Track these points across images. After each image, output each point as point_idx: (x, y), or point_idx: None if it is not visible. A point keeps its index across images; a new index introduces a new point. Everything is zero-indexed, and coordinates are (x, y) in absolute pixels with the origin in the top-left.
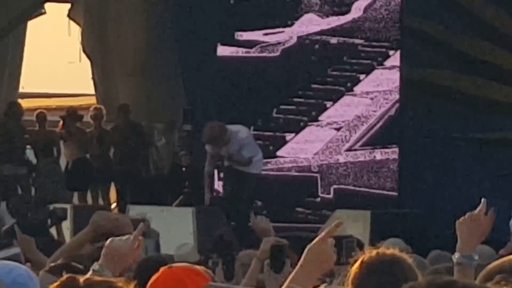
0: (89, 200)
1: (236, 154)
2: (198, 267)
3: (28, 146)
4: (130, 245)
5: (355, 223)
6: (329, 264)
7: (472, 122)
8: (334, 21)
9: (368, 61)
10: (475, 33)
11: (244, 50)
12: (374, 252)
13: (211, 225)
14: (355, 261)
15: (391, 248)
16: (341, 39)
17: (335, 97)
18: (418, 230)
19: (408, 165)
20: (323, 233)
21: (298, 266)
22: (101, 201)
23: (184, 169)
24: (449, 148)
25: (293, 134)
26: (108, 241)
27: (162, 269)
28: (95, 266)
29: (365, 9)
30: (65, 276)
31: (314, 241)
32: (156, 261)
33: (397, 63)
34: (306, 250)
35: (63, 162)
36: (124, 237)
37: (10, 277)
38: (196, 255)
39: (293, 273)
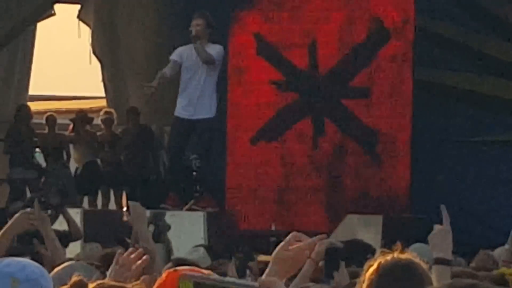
0: (99, 204)
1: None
2: (204, 270)
3: (37, 150)
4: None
5: (366, 228)
6: (294, 269)
7: (486, 124)
8: None
9: None
10: (491, 33)
11: None
12: (389, 257)
13: (223, 229)
14: (370, 266)
15: (411, 253)
16: None
17: None
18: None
19: (420, 168)
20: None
21: (265, 273)
22: (111, 205)
23: (195, 173)
24: (463, 151)
25: None
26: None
27: (167, 272)
28: None
29: None
30: (73, 279)
31: (278, 248)
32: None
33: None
34: (273, 256)
35: (73, 166)
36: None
37: (23, 274)
38: (208, 260)
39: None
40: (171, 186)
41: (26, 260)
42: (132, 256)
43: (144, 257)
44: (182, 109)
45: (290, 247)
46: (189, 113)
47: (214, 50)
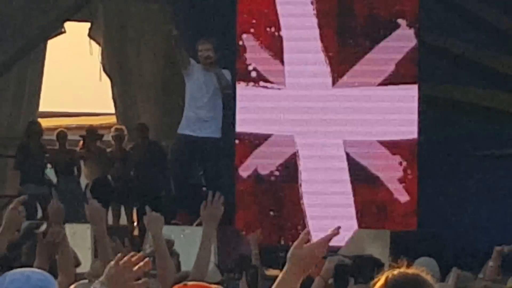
0: (110, 220)
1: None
2: (214, 285)
3: (48, 165)
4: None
5: (374, 242)
6: (310, 266)
7: (493, 138)
8: None
9: None
10: (498, 48)
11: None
12: (396, 271)
13: (233, 245)
14: (377, 280)
15: (418, 267)
16: None
17: None
18: (438, 249)
19: (428, 183)
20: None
21: (282, 273)
22: (122, 221)
23: (204, 188)
24: (471, 165)
25: None
26: (111, 265)
27: (175, 286)
28: (97, 284)
29: None
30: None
31: (292, 247)
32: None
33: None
34: (288, 256)
35: (83, 182)
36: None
37: (29, 284)
38: (218, 275)
39: (278, 279)
40: (181, 202)
41: (29, 269)
42: (134, 258)
43: (145, 260)
44: (187, 127)
45: (304, 246)
46: (196, 131)
47: (228, 76)
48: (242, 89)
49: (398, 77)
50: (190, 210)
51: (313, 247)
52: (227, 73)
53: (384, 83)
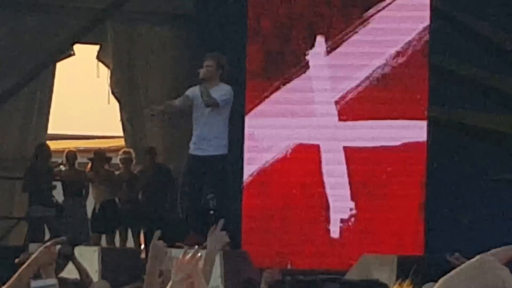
0: (117, 243)
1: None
2: None
3: (54, 184)
4: None
5: (381, 267)
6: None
7: (502, 162)
8: None
9: None
10: (508, 71)
11: None
12: None
13: (239, 268)
14: None
15: None
16: None
17: None
18: (445, 274)
19: (437, 207)
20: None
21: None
22: (129, 243)
23: (211, 212)
24: (480, 190)
25: None
26: None
27: None
28: None
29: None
30: None
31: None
32: None
33: None
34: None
35: (89, 203)
36: None
37: None
38: None
39: None
40: (189, 225)
41: None
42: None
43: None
44: (193, 146)
45: None
46: (201, 150)
47: (219, 92)
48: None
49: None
50: (199, 233)
51: None
52: (226, 89)
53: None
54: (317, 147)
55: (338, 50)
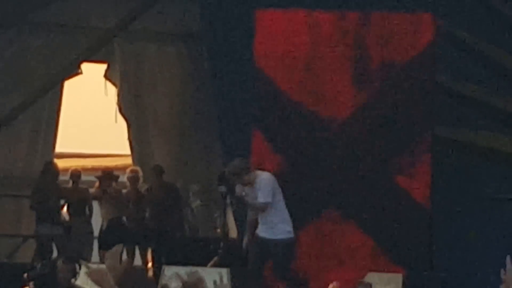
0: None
1: (251, 195)
2: None
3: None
4: None
5: (387, 286)
6: None
7: (509, 182)
8: None
9: None
10: (510, 91)
11: None
12: None
13: (247, 286)
14: None
15: None
16: None
17: None
18: None
19: (444, 226)
20: None
21: None
22: (136, 261)
23: (218, 230)
24: (485, 209)
25: None
26: None
27: None
28: None
29: None
30: None
31: None
32: None
33: None
34: None
35: (95, 221)
36: None
37: None
38: None
39: None
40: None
41: None
42: None
43: None
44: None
45: None
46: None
47: (262, 192)
48: None
49: None
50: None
51: None
52: (264, 186)
53: None
54: None
55: None
